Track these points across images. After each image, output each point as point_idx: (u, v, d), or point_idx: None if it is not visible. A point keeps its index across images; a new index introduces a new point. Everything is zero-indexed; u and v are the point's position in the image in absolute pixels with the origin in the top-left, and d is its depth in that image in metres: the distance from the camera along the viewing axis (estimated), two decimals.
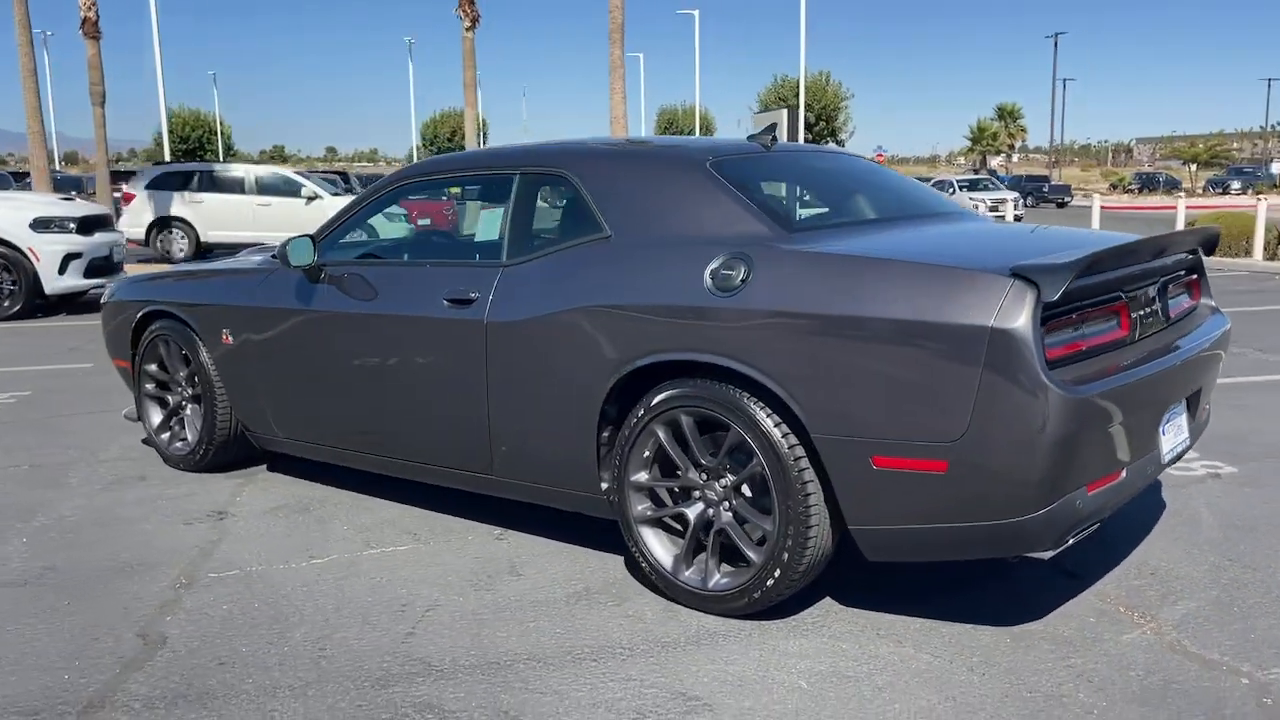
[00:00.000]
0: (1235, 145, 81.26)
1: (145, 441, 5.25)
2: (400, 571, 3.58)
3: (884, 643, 2.95)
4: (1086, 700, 2.59)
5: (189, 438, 4.82)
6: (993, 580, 3.38)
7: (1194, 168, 66.21)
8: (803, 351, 2.83)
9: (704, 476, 3.16)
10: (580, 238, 3.43)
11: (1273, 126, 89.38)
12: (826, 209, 3.66)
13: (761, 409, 2.94)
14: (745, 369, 2.92)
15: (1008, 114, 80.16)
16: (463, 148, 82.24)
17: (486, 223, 4.32)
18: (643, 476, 3.25)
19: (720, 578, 3.12)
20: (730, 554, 3.16)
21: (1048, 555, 2.75)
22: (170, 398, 4.92)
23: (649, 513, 3.26)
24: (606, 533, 3.72)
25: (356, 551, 3.78)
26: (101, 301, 5.32)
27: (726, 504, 3.12)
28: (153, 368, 4.91)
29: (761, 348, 2.89)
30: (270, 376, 4.31)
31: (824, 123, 43.01)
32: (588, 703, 2.65)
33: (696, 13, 55.24)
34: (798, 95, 37.86)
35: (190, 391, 4.79)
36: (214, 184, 16.76)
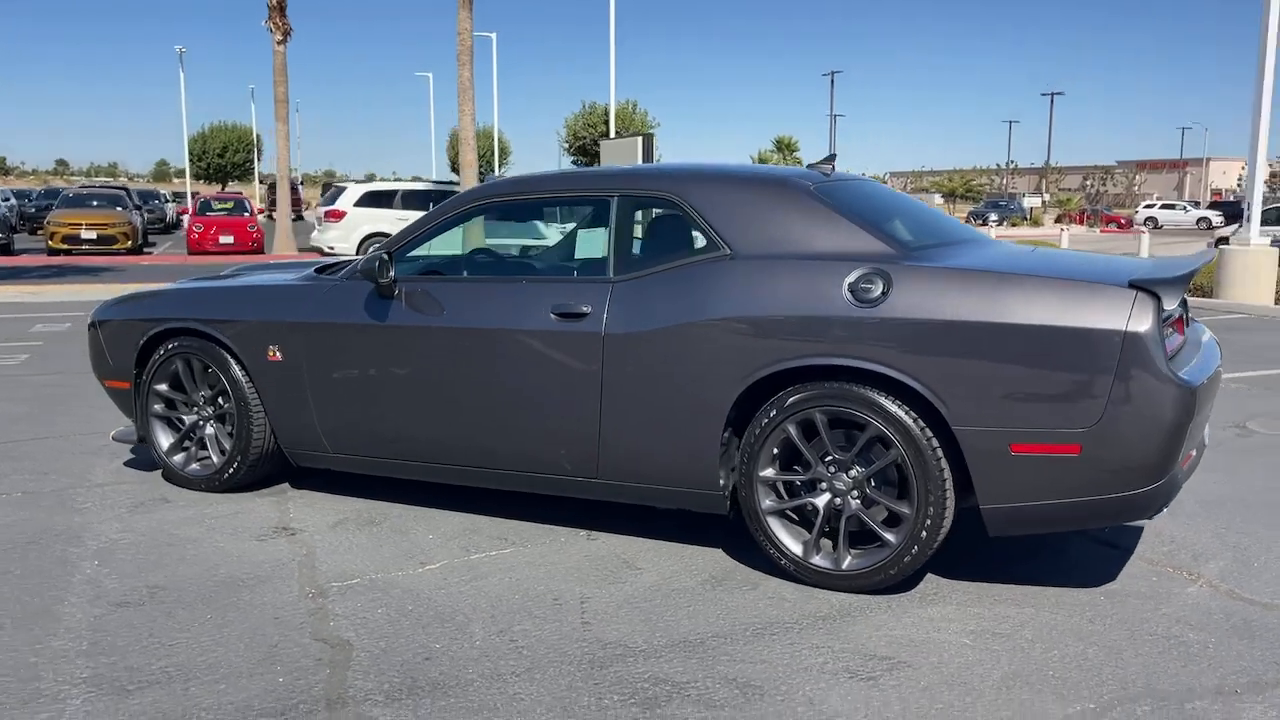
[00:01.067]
0: (982, 180, 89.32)
1: (138, 463, 5.12)
2: (522, 572, 3.78)
3: (1004, 605, 3.45)
4: (1196, 638, 3.18)
5: (212, 458, 4.77)
6: (1048, 552, 3.96)
7: (939, 199, 72.31)
8: (947, 354, 3.30)
9: (832, 469, 3.57)
10: (698, 255, 3.78)
11: (1011, 163, 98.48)
12: (907, 230, 4.16)
13: (900, 406, 3.39)
14: (889, 371, 3.36)
15: (785, 146, 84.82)
16: (247, 165, 77.79)
17: (584, 241, 4.57)
18: (770, 472, 3.63)
19: (852, 559, 3.54)
20: (857, 537, 3.58)
21: (1147, 520, 3.34)
22: (185, 417, 4.85)
23: (776, 505, 3.64)
24: (689, 529, 4.08)
25: (462, 556, 3.95)
26: (90, 323, 5.16)
27: (855, 493, 3.54)
28: (163, 387, 4.83)
29: (906, 352, 3.35)
30: (332, 391, 4.38)
31: None
32: (800, 667, 3.00)
33: (494, 35, 55.47)
34: (607, 123, 38.75)
35: (213, 410, 4.76)
36: (413, 201, 19.17)
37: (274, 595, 3.57)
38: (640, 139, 15.88)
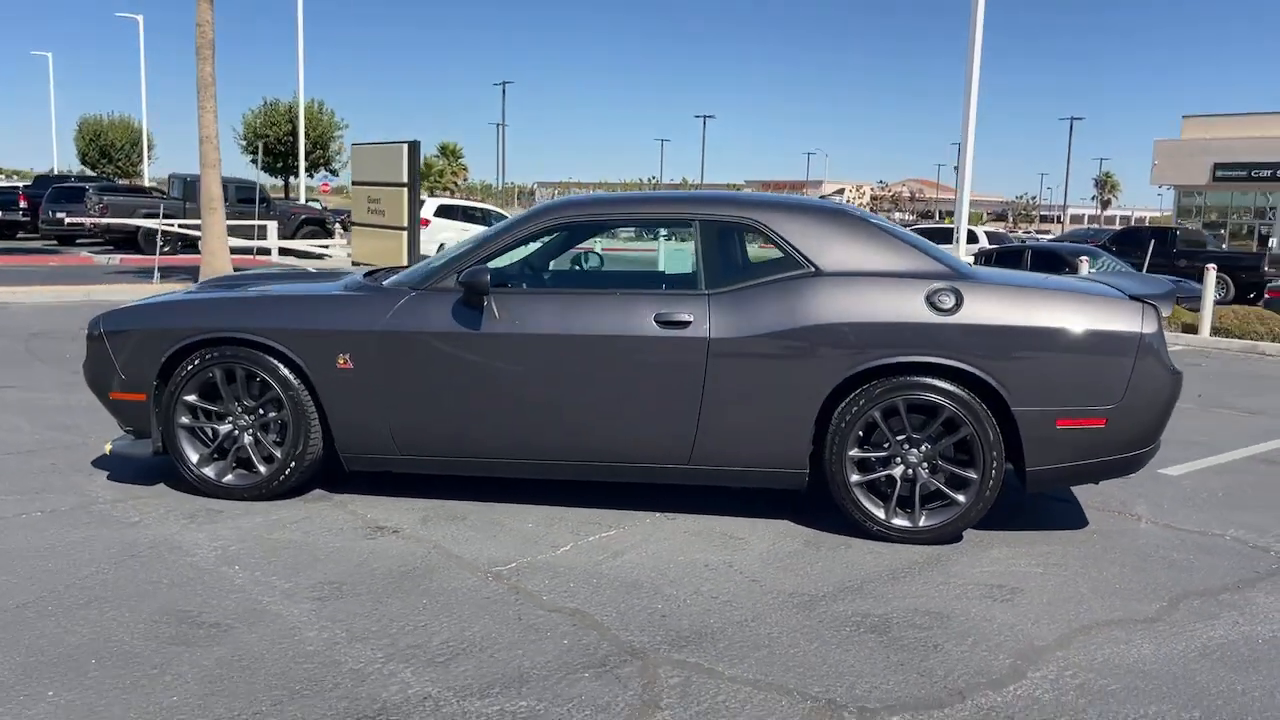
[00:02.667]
0: None
1: (127, 476, 5.09)
2: (649, 548, 4.39)
3: (1036, 546, 4.53)
4: (1180, 558, 4.43)
5: (260, 467, 4.89)
6: (1026, 510, 5.12)
7: None
8: (1010, 351, 4.34)
9: (905, 446, 4.50)
10: (786, 271, 4.58)
11: (654, 179, 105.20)
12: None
13: (969, 393, 4.39)
14: (965, 366, 4.35)
15: (450, 153, 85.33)
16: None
17: (671, 257, 5.12)
18: (856, 451, 4.51)
19: (928, 519, 4.49)
20: (924, 500, 4.53)
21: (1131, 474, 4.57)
22: (218, 428, 4.92)
23: (862, 478, 4.52)
24: (744, 506, 4.87)
25: (582, 539, 4.48)
26: (93, 334, 5.04)
27: (924, 465, 4.50)
28: (192, 398, 4.89)
29: (978, 350, 4.35)
30: (414, 397, 4.70)
31: (320, 150, 43.02)
32: (950, 596, 3.91)
33: (141, 18, 51.59)
34: (291, 121, 37.60)
35: (253, 419, 4.88)
36: (467, 215, 22.89)
37: (454, 581, 3.95)
38: (405, 147, 15.88)
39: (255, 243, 21.66)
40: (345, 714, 2.93)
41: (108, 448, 5.13)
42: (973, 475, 4.44)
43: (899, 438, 4.50)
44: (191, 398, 4.90)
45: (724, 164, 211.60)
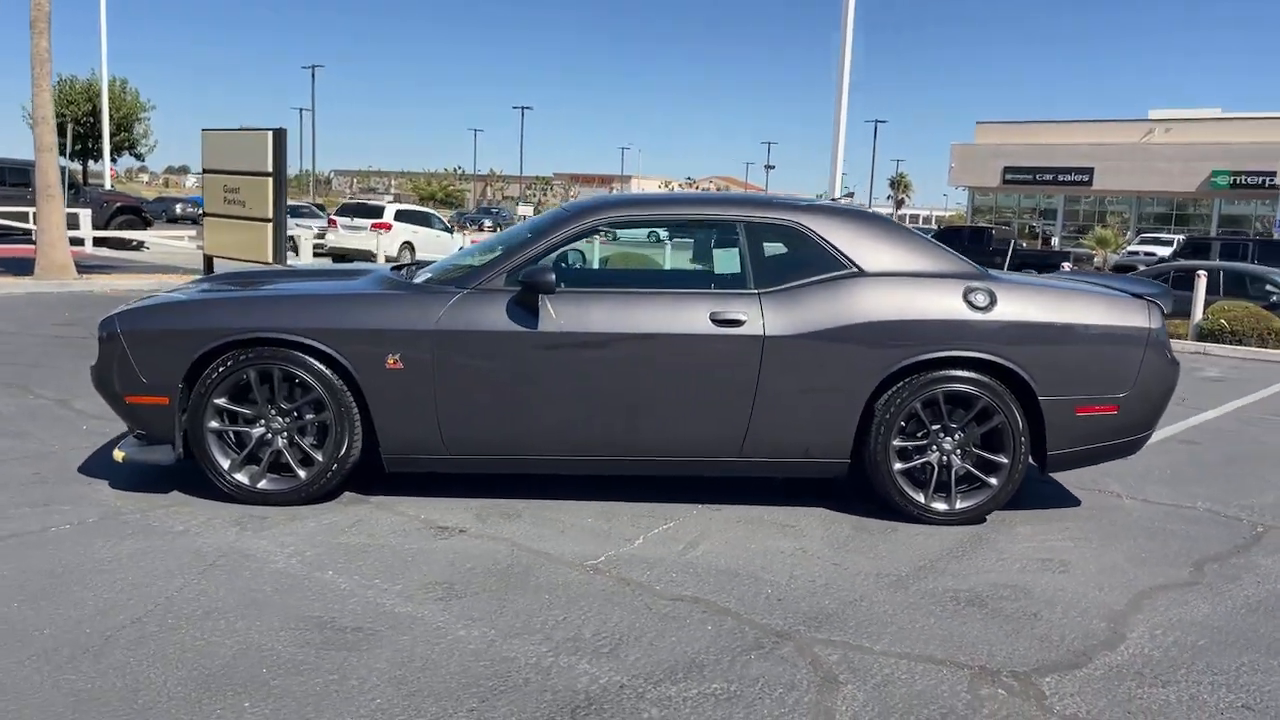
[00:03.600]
0: (461, 186, 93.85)
1: (127, 482, 4.91)
2: (718, 538, 4.60)
3: (1053, 524, 5.01)
4: (1178, 529, 5.00)
5: (300, 471, 4.80)
6: (1020, 494, 5.62)
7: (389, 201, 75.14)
8: (1038, 345, 4.79)
9: (941, 434, 4.89)
10: (832, 272, 4.87)
11: (458, 168, 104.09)
12: None
13: (1001, 384, 4.81)
14: (1000, 360, 4.76)
15: None
16: None
17: (720, 259, 5.27)
18: (898, 441, 4.86)
19: (963, 501, 4.89)
20: (953, 483, 4.93)
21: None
22: (252, 431, 4.80)
23: (904, 466, 4.87)
24: (776, 497, 5.17)
25: (648, 533, 4.64)
26: (107, 334, 4.81)
27: (957, 451, 4.89)
28: (222, 401, 4.75)
29: (1011, 345, 4.77)
30: (468, 396, 4.73)
31: (124, 133, 40.23)
32: (1015, 570, 4.30)
33: None
34: (90, 100, 35.30)
35: (289, 421, 4.79)
36: (414, 218, 25.64)
37: (558, 576, 4.05)
38: (270, 134, 15.30)
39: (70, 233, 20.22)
40: (556, 705, 3.02)
41: (119, 455, 4.90)
42: (1003, 460, 4.86)
43: (935, 427, 4.87)
44: (222, 400, 4.75)
45: (540, 156, 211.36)
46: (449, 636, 3.46)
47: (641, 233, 5.30)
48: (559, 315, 4.73)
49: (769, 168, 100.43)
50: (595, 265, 5.99)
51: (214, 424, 4.78)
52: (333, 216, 25.76)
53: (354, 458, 4.80)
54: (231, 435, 4.80)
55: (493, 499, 5.02)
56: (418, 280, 5.10)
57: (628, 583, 4.01)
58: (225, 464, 4.79)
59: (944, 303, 4.81)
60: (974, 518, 4.89)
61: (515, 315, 4.73)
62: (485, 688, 3.11)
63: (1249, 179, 44.72)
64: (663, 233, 5.79)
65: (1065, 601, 4.00)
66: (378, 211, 24.56)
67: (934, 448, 4.89)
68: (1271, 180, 41.67)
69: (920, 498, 4.88)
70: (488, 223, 57.36)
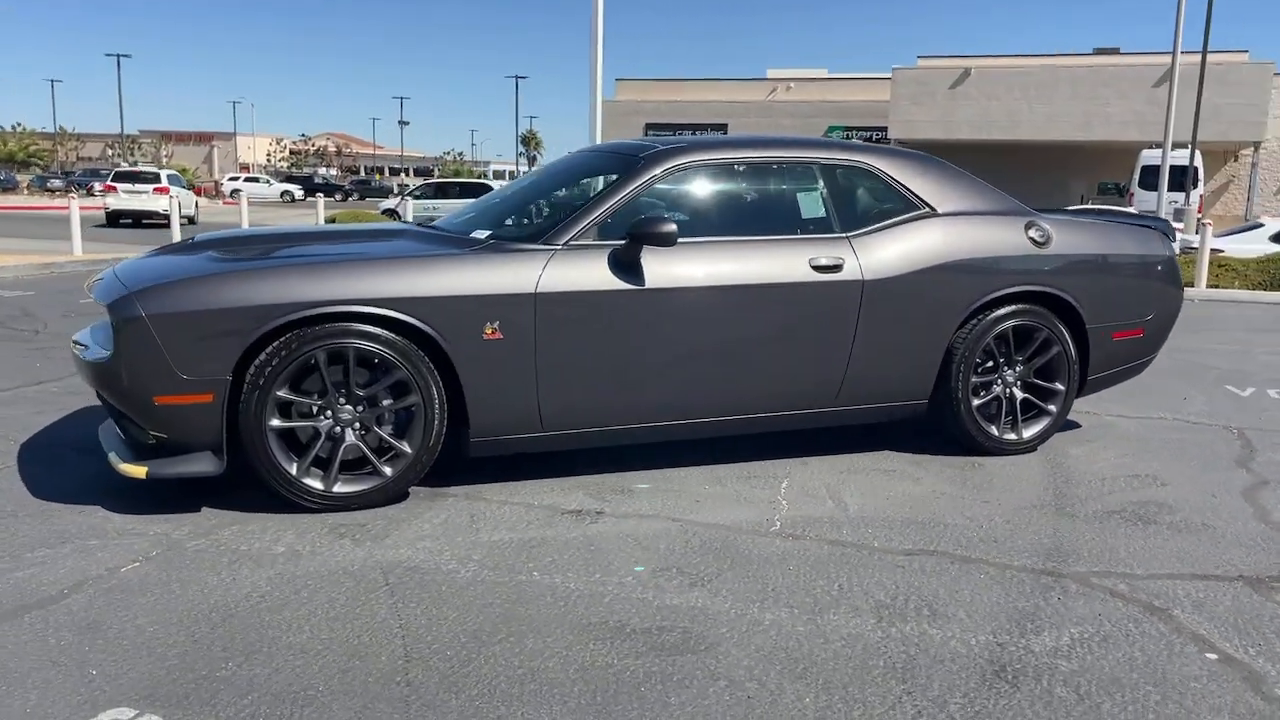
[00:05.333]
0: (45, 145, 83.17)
1: (144, 502, 4.05)
2: (847, 492, 4.51)
3: (1095, 442, 5.38)
4: (1195, 439, 5.54)
5: (383, 468, 4.12)
6: None
7: None
8: (1087, 276, 5.08)
9: (1006, 366, 5.08)
10: (910, 212, 4.87)
11: (19, 125, 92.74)
12: None
13: (1057, 316, 5.07)
14: (1059, 292, 5.01)
15: None
16: None
17: (808, 202, 4.90)
18: (975, 378, 4.99)
19: (1028, 430, 5.11)
20: (1019, 414, 5.14)
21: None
22: (317, 426, 4.06)
23: (978, 401, 5.01)
24: (837, 441, 5.19)
25: (778, 491, 4.45)
26: (129, 316, 3.83)
27: (1018, 383, 5.11)
28: (284, 392, 3.99)
29: (1066, 277, 5.02)
30: (570, 364, 4.27)
31: None
32: (1129, 487, 4.58)
33: None
34: None
35: (363, 409, 4.11)
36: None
37: (774, 544, 3.80)
38: None
39: None
40: (971, 674, 2.84)
41: (137, 470, 3.94)
42: (1059, 387, 5.14)
43: (1003, 360, 5.04)
44: (284, 392, 3.96)
45: (139, 111, 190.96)
46: (768, 622, 3.13)
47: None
48: (664, 269, 4.37)
49: (403, 123, 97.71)
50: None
51: (276, 421, 3.97)
52: (109, 183, 29.79)
53: (439, 445, 4.19)
54: (284, 434, 4.01)
55: (575, 477, 4.58)
56: (481, 236, 4.54)
57: (839, 544, 3.83)
58: (293, 469, 4.00)
59: (1013, 239, 4.97)
60: (1036, 446, 5.14)
61: (620, 272, 4.32)
62: (888, 668, 2.86)
63: (860, 135, 49.74)
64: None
65: (1210, 511, 4.31)
66: (155, 177, 29.80)
67: (999, 381, 5.06)
68: (884, 136, 46.55)
69: (994, 430, 5.04)
70: (57, 183, 53.22)
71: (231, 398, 3.92)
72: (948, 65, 42.77)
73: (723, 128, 53.31)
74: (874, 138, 49.52)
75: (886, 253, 4.73)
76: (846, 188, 4.93)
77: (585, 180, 5.26)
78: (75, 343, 4.34)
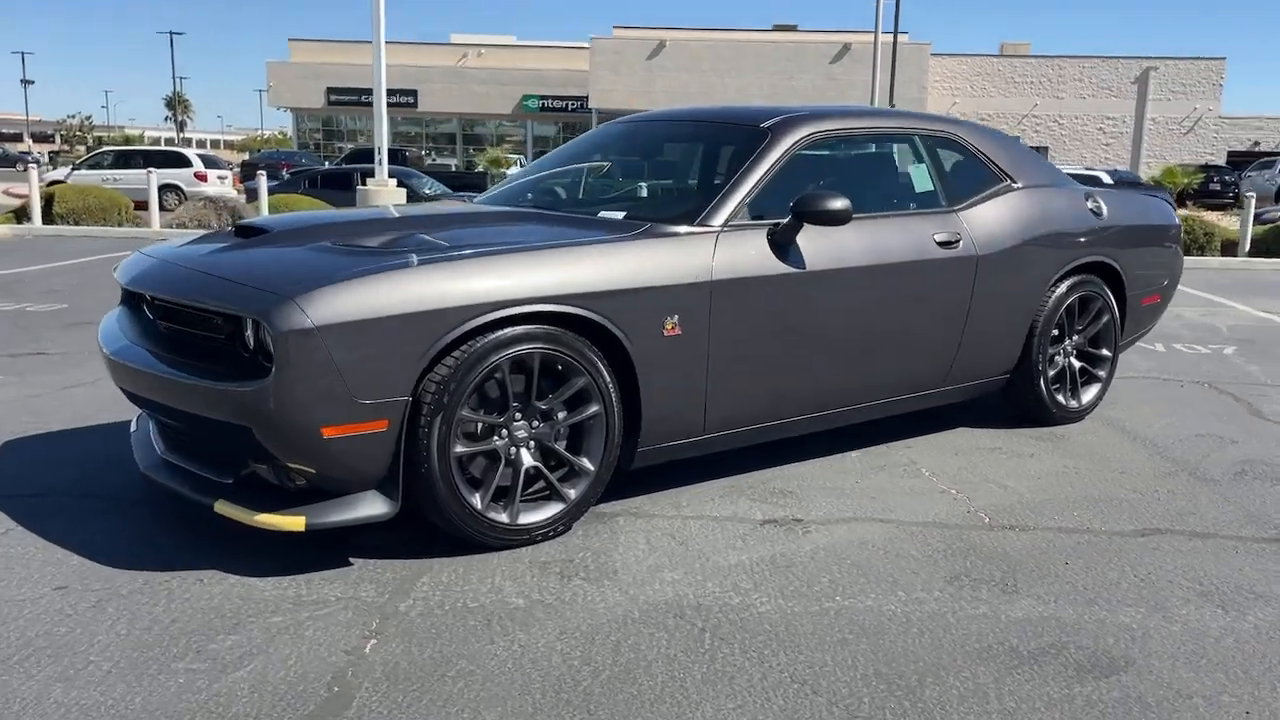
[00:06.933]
0: None
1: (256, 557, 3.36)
2: (986, 469, 4.44)
3: (1128, 409, 5.64)
4: (1199, 391, 5.95)
5: (566, 490, 3.56)
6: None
7: None
8: (1129, 245, 5.28)
9: (1067, 336, 5.19)
10: (998, 184, 4.83)
11: None
12: None
13: (1107, 286, 5.25)
14: (1112, 261, 5.18)
15: None
16: None
17: (918, 175, 4.53)
18: (1050, 349, 5.07)
19: (1085, 397, 5.26)
20: (1078, 381, 5.26)
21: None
22: (494, 447, 3.46)
23: (1052, 372, 5.09)
24: (906, 423, 5.16)
25: (913, 477, 4.31)
26: (295, 329, 3.02)
27: (1074, 352, 5.25)
28: (467, 411, 3.36)
29: (1115, 246, 5.19)
30: (739, 358, 3.88)
31: None
32: (1213, 450, 4.84)
33: None
34: None
35: (539, 425, 3.55)
36: None
37: (1012, 539, 3.65)
38: None
39: None
40: None
41: (290, 521, 3.15)
42: (1107, 353, 5.33)
43: (1063, 330, 5.15)
44: (466, 411, 3.32)
45: None
46: (1181, 625, 2.98)
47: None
48: (819, 249, 4.07)
49: (27, 83, 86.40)
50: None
51: (460, 448, 3.32)
52: None
53: (613, 458, 3.69)
54: (464, 462, 3.38)
55: (708, 483, 4.20)
56: (612, 217, 4.02)
57: (1069, 531, 3.74)
58: (478, 501, 3.37)
59: (1080, 211, 5.08)
60: (1089, 412, 5.30)
61: (782, 254, 3.96)
62: None
63: (555, 103, 49.97)
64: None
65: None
66: None
67: (1061, 351, 5.17)
68: (582, 106, 46.98)
69: (1062, 399, 5.15)
70: None
71: (410, 423, 3.22)
72: (644, 36, 43.79)
73: (412, 94, 51.69)
74: (568, 107, 49.95)
75: (990, 226, 4.67)
76: (944, 159, 4.81)
77: (678, 152, 4.82)
78: (119, 358, 3.45)
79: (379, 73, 14.34)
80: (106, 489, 3.93)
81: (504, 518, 3.41)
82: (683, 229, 3.82)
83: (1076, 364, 5.22)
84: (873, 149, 4.72)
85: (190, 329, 3.43)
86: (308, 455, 3.12)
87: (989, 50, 46.22)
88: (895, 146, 4.77)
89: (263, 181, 15.03)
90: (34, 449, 4.40)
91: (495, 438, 3.42)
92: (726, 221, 3.89)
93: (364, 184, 15.16)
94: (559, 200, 4.50)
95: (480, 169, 33.94)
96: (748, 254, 3.87)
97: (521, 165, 40.36)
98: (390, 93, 54.26)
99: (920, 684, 2.63)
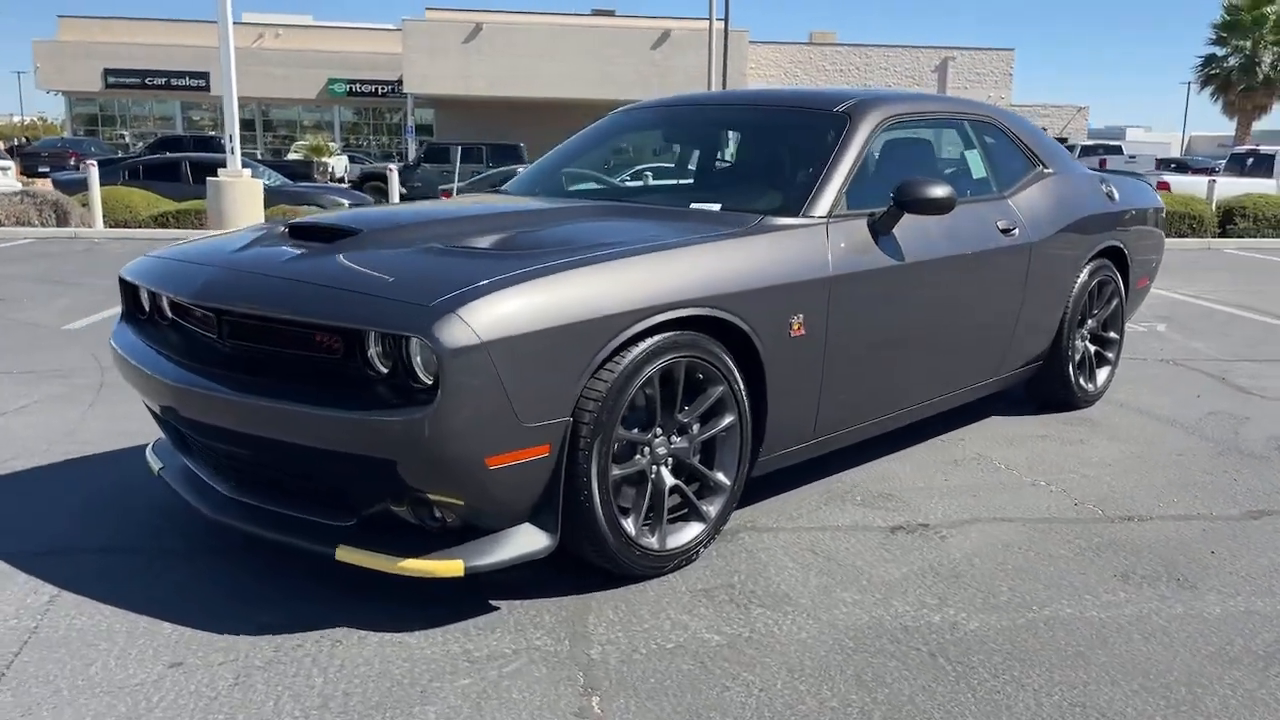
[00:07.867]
0: None
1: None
2: (1048, 459, 4.44)
3: (1143, 382, 5.78)
4: (1204, 375, 6.16)
5: (705, 507, 3.31)
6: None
7: None
8: (1133, 229, 5.41)
9: (1089, 320, 5.26)
10: (1035, 170, 4.84)
11: None
12: None
13: (1116, 269, 5.37)
14: (1121, 245, 5.29)
15: None
16: None
17: (972, 161, 4.34)
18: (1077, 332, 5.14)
19: (1100, 382, 5.35)
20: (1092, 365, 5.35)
21: None
22: (641, 467, 3.18)
23: (1078, 357, 5.15)
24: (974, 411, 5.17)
25: (981, 470, 4.27)
26: (469, 346, 2.64)
27: (1089, 336, 5.32)
28: (622, 430, 3.07)
29: (1123, 229, 5.30)
30: (849, 359, 3.71)
31: None
32: (1237, 425, 5.02)
33: None
34: None
35: (677, 440, 3.29)
36: None
37: (1146, 530, 3.64)
38: None
39: None
40: None
41: (446, 567, 2.79)
42: (1115, 336, 5.45)
43: (1084, 315, 5.23)
44: (620, 430, 3.03)
45: None
46: None
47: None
48: (912, 239, 3.95)
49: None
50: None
51: (617, 470, 3.02)
52: None
53: (744, 473, 3.46)
54: (626, 480, 3.10)
55: (792, 491, 4.02)
56: (708, 209, 3.78)
57: (1184, 519, 3.76)
58: (631, 527, 3.08)
59: (1101, 196, 5.16)
60: (1103, 394, 5.41)
61: (883, 245, 3.82)
62: None
63: (364, 87, 48.24)
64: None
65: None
66: None
67: (1081, 336, 5.25)
68: (394, 89, 45.53)
69: (1083, 382, 5.23)
70: None
71: (571, 446, 2.90)
72: (458, 19, 42.72)
73: (204, 76, 48.87)
74: (379, 91, 48.38)
75: (1036, 213, 4.67)
76: (990, 145, 4.77)
77: (739, 140, 4.58)
78: (181, 384, 2.98)
79: (227, 55, 13.36)
80: (181, 535, 3.40)
81: (654, 543, 3.13)
82: (794, 221, 3.61)
83: (1091, 348, 5.30)
84: (934, 134, 4.63)
85: (281, 348, 2.97)
86: (463, 489, 2.76)
87: (800, 39, 47.56)
88: (950, 132, 4.69)
89: (94, 173, 13.72)
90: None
91: (638, 456, 3.13)
92: (830, 211, 3.71)
93: (200, 175, 14.12)
94: (619, 190, 4.19)
95: (298, 158, 32.38)
96: (856, 246, 3.71)
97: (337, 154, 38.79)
98: (178, 75, 51.13)
99: (1191, 694, 2.53)
